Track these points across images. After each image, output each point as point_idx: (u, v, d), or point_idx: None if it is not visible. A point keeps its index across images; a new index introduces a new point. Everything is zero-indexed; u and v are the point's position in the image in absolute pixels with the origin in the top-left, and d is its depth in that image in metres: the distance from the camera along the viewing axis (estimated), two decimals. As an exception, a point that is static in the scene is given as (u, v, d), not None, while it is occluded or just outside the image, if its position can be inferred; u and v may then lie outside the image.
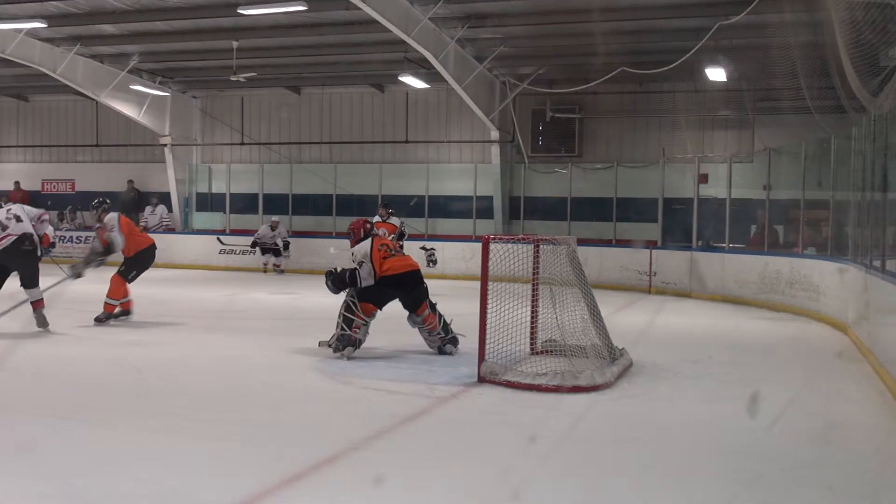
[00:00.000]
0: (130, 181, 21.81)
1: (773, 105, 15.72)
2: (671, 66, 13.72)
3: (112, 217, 10.03)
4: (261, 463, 4.78)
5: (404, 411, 6.06)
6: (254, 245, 18.65)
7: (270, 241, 18.57)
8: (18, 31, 16.12)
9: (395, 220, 14.07)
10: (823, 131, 12.64)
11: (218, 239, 19.72)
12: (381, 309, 8.06)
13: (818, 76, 11.25)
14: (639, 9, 13.63)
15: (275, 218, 18.91)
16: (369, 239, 8.14)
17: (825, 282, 11.42)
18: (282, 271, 18.65)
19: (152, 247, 10.34)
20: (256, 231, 18.96)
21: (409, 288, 8.10)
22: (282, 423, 5.76)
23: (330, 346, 7.91)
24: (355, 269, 7.87)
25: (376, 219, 13.85)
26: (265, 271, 18.81)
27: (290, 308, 12.19)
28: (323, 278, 8.19)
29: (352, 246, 8.22)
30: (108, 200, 10.37)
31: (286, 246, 18.55)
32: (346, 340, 7.81)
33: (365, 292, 7.88)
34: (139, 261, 10.10)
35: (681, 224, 16.14)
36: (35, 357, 7.97)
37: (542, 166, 19.00)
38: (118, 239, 9.84)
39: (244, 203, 21.03)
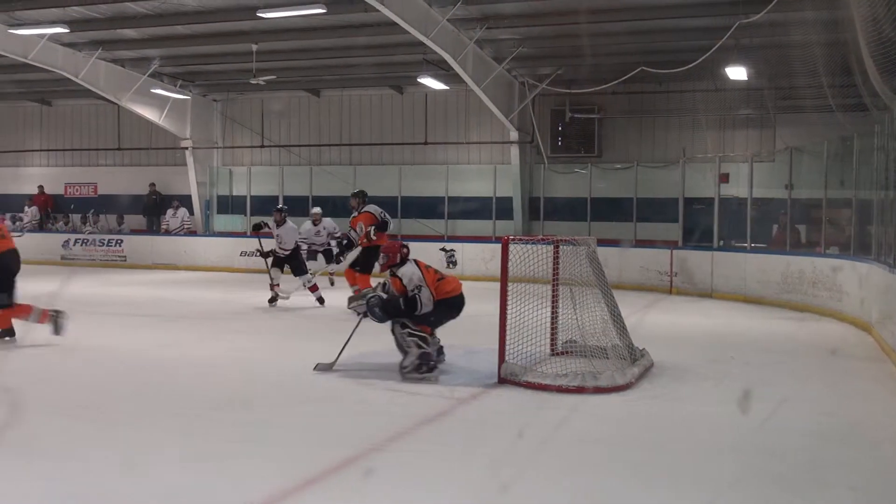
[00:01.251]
0: (152, 184, 21.98)
1: (794, 103, 15.63)
2: (691, 65, 13.65)
3: None
4: (278, 464, 4.80)
5: (424, 412, 6.07)
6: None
7: (320, 243, 15.40)
8: (41, 36, 16.29)
9: (372, 209, 12.13)
10: (845, 130, 12.54)
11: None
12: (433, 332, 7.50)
13: (840, 74, 11.16)
14: (658, 8, 13.57)
15: (315, 210, 15.92)
16: (413, 262, 7.44)
17: (848, 282, 11.32)
18: (332, 282, 15.28)
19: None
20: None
21: (460, 309, 7.54)
22: (300, 424, 5.79)
23: (404, 368, 7.17)
24: (413, 294, 7.18)
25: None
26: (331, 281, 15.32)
27: (307, 310, 12.16)
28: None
29: (382, 271, 7.78)
30: None
31: (341, 244, 13.73)
32: (428, 359, 7.19)
33: (422, 316, 7.27)
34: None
35: (702, 224, 16.05)
36: (47, 359, 8.02)
37: (562, 167, 18.96)
38: None
39: (265, 205, 21.10)
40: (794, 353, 9.17)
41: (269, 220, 12.73)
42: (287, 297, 12.56)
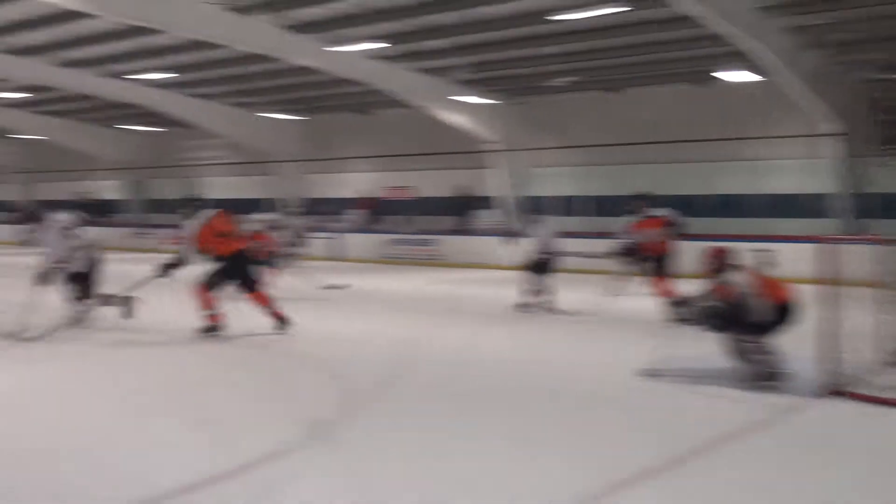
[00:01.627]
0: (462, 186, 23.25)
1: None
2: None
3: (191, 223, 9.61)
4: (592, 463, 5.02)
5: (747, 421, 6.01)
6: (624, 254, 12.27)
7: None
8: (358, 52, 17.90)
9: (660, 212, 11.33)
10: None
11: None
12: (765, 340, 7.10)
13: None
14: None
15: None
16: (739, 268, 7.23)
17: None
18: None
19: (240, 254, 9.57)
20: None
21: (792, 316, 7.08)
22: (619, 425, 5.98)
23: (747, 376, 7.02)
24: (742, 301, 6.92)
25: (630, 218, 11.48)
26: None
27: (615, 309, 11.55)
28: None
29: (706, 277, 7.38)
30: (199, 200, 9.68)
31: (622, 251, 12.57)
32: (768, 367, 6.98)
33: (752, 324, 6.99)
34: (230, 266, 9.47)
35: None
36: (360, 352, 8.65)
37: (889, 160, 17.28)
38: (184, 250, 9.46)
39: (569, 206, 21.51)
40: None
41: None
42: (569, 312, 11.62)
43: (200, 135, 27.53)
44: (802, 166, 18.28)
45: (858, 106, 17.32)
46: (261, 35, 16.53)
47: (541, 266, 11.92)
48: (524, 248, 12.32)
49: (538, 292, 11.88)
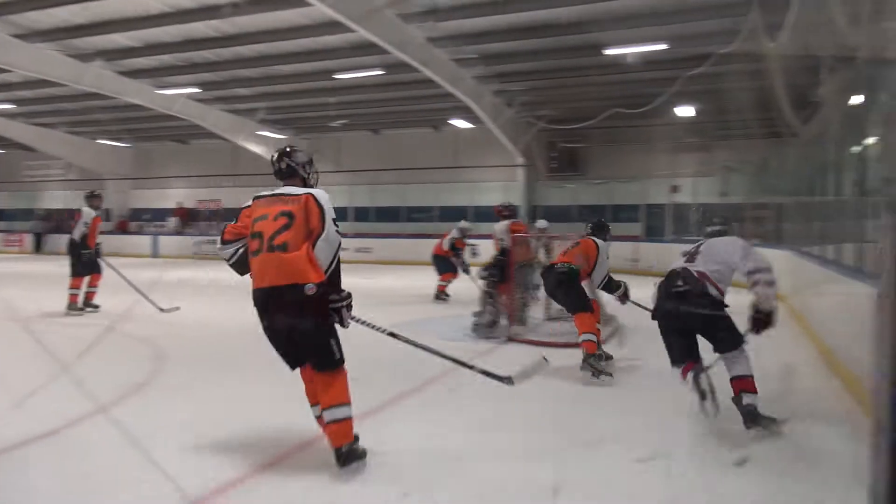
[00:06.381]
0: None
1: (727, 133, 18.44)
2: (651, 106, 16.34)
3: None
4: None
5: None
6: None
7: None
8: (180, 95, 21.19)
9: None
10: (765, 152, 15.95)
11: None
12: None
13: (762, 110, 12.50)
14: (625, 66, 16.34)
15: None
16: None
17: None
18: None
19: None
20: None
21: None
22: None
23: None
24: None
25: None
26: None
27: None
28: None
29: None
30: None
31: None
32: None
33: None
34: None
35: (659, 223, 21.12)
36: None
37: (555, 182, 23.95)
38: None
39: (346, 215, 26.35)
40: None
41: None
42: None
43: (42, 156, 29.99)
44: (504, 187, 23.80)
45: (539, 145, 23.41)
46: (99, 78, 18.58)
47: None
48: None
49: None
